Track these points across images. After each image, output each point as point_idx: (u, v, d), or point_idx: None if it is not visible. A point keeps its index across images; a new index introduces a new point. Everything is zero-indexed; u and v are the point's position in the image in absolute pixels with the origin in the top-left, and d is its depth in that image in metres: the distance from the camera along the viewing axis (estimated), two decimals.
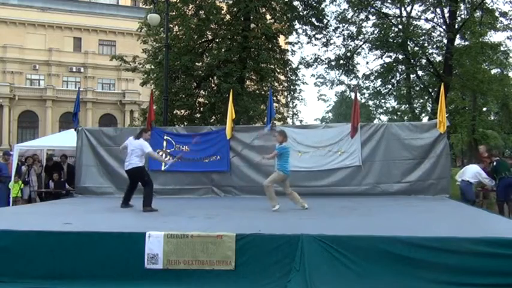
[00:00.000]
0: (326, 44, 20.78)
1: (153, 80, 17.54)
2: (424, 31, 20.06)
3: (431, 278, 4.53)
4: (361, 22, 20.48)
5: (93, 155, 11.08)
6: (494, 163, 9.92)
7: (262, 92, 18.10)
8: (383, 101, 25.02)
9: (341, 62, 21.36)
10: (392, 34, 19.56)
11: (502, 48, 19.77)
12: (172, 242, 4.81)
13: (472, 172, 9.99)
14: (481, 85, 18.99)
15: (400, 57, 20.37)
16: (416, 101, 25.50)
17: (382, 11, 20.14)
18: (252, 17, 16.87)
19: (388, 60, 20.87)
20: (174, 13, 16.03)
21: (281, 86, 19.75)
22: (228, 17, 17.19)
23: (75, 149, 11.27)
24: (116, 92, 41.03)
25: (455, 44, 18.85)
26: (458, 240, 4.61)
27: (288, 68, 19.43)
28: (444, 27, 19.21)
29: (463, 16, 18.84)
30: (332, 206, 8.19)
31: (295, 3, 18.87)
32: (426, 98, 23.82)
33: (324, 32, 20.45)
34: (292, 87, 20.44)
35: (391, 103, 26.12)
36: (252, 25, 17.21)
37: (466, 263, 4.53)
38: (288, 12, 18.10)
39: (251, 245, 4.78)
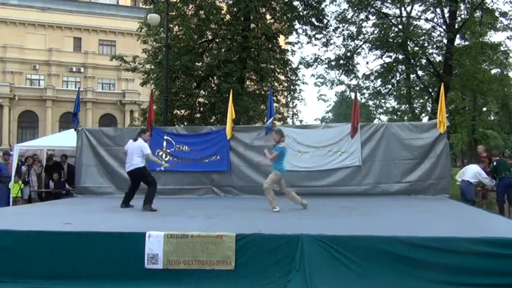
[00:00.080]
0: (326, 44, 20.79)
1: (153, 80, 17.54)
2: (424, 31, 20.06)
3: (431, 278, 4.53)
4: (361, 22, 20.49)
5: (93, 155, 11.08)
6: (495, 163, 9.91)
7: (262, 92, 18.09)
8: (383, 101, 25.02)
9: (341, 62, 21.35)
10: (392, 34, 19.55)
11: (502, 48, 19.77)
12: (172, 242, 4.81)
13: (472, 172, 9.99)
14: (481, 85, 18.98)
15: (400, 57, 20.36)
16: (416, 101, 25.49)
17: (382, 11, 20.14)
18: (252, 17, 16.87)
19: (388, 60, 20.88)
20: (174, 13, 16.03)
21: (281, 86, 19.74)
22: (228, 17, 17.19)
23: (75, 149, 11.27)
24: (116, 92, 41.03)
25: (455, 44, 18.85)
26: (458, 240, 4.61)
27: (288, 68, 19.42)
28: (444, 27, 19.21)
29: (463, 16, 18.84)
30: (332, 206, 8.19)
31: (295, 3, 18.88)
32: (426, 98, 23.81)
33: (324, 32, 20.45)
34: (292, 87, 20.43)
35: (391, 103, 26.14)
36: (252, 25, 17.21)
37: (466, 263, 4.53)
38: (288, 12, 18.10)
39: (251, 245, 4.78)
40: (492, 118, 35.10)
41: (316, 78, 23.59)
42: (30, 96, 38.01)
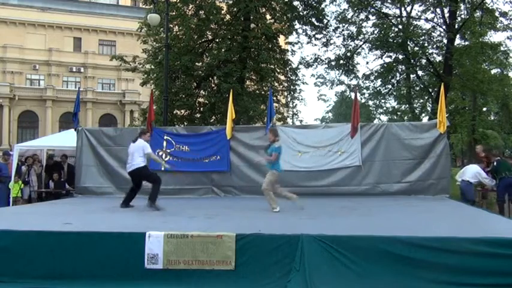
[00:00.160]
0: (326, 44, 20.79)
1: (153, 80, 17.53)
2: (424, 31, 20.05)
3: (431, 278, 4.53)
4: (361, 22, 20.49)
5: (93, 155, 11.08)
6: (495, 163, 9.90)
7: (262, 92, 18.09)
8: (383, 101, 25.02)
9: (341, 62, 21.35)
10: (392, 34, 19.55)
11: (502, 48, 19.76)
12: (172, 242, 4.81)
13: (472, 172, 9.97)
14: (481, 85, 18.98)
15: (400, 57, 20.36)
16: (416, 101, 25.49)
17: (382, 11, 20.14)
18: (252, 17, 16.86)
19: (388, 60, 20.88)
20: (174, 13, 16.02)
21: (281, 86, 19.74)
22: (228, 17, 17.18)
23: (75, 149, 11.27)
24: (116, 92, 41.02)
25: (455, 44, 18.85)
26: (458, 240, 4.61)
27: (288, 68, 19.42)
28: (444, 27, 19.21)
29: (463, 16, 18.84)
30: (332, 206, 8.19)
31: (295, 3, 18.88)
32: (426, 98, 23.81)
33: (324, 32, 20.45)
34: (292, 87, 20.42)
35: (391, 103, 26.13)
36: (252, 25, 17.21)
37: (466, 263, 4.53)
38: (288, 12, 18.09)
39: (251, 245, 4.78)
40: (492, 118, 35.09)
41: (316, 78, 23.62)
42: (30, 96, 37.99)
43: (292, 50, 20.86)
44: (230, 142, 10.67)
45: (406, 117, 24.84)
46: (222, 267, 4.74)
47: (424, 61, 20.69)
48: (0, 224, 5.50)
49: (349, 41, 20.87)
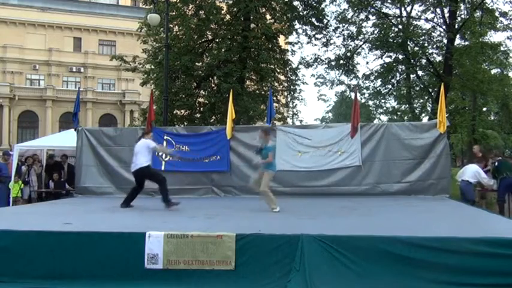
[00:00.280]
0: (326, 44, 20.79)
1: (153, 80, 17.54)
2: (424, 31, 20.06)
3: (431, 278, 4.53)
4: (361, 22, 20.49)
5: (93, 155, 11.08)
6: (496, 163, 9.90)
7: (262, 92, 18.09)
8: (383, 101, 25.03)
9: (341, 62, 21.35)
10: (392, 34, 19.56)
11: (502, 48, 19.77)
12: (172, 242, 4.81)
13: (471, 172, 9.96)
14: (481, 85, 18.99)
15: (400, 57, 20.37)
16: (416, 101, 25.51)
17: (382, 11, 20.14)
18: (252, 17, 16.87)
19: (388, 60, 20.89)
20: (174, 13, 16.03)
21: (281, 86, 19.74)
22: (228, 17, 17.19)
23: (75, 149, 11.27)
24: (116, 92, 41.02)
25: (455, 44, 18.86)
26: (458, 240, 4.61)
27: (288, 68, 19.43)
28: (444, 27, 19.21)
29: (463, 16, 18.84)
30: (332, 206, 8.19)
31: (295, 3, 18.88)
32: (426, 98, 23.82)
33: (324, 32, 20.46)
34: (292, 87, 20.43)
35: (391, 103, 26.15)
36: (252, 25, 17.21)
37: (466, 263, 4.53)
38: (288, 12, 18.10)
39: (251, 245, 4.78)
40: (492, 118, 35.10)
41: (316, 78, 23.63)
42: (30, 96, 38.00)
43: (292, 50, 20.91)
44: (230, 142, 10.67)
45: (406, 117, 24.86)
46: (222, 267, 4.74)
47: (424, 61, 20.69)
48: (0, 224, 5.50)
49: (349, 41, 20.89)
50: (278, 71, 18.69)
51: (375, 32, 20.28)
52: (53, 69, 39.87)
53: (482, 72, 19.18)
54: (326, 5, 20.20)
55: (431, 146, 10.08)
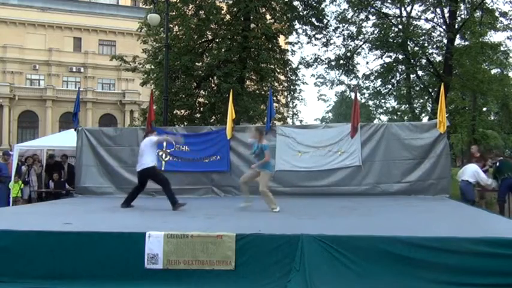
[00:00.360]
0: (326, 44, 20.80)
1: (153, 80, 17.54)
2: (424, 31, 20.07)
3: (431, 278, 4.52)
4: (361, 22, 20.51)
5: (93, 155, 11.07)
6: (497, 163, 9.89)
7: (262, 92, 18.10)
8: (383, 101, 25.05)
9: (341, 62, 21.36)
10: (392, 34, 19.57)
11: (502, 48, 19.78)
12: (172, 242, 4.81)
13: (471, 172, 9.96)
14: (481, 85, 19.00)
15: (400, 57, 20.38)
16: (416, 101, 25.53)
17: (382, 11, 20.15)
18: (252, 17, 16.87)
19: (388, 60, 20.91)
20: (174, 13, 16.03)
21: (281, 86, 19.74)
22: (228, 17, 17.19)
23: (75, 149, 11.27)
24: (116, 92, 41.03)
25: (455, 44, 18.87)
26: (458, 240, 4.60)
27: (288, 68, 19.43)
28: (444, 27, 19.22)
29: (463, 16, 18.85)
30: (332, 206, 8.19)
31: (295, 3, 18.89)
32: (426, 98, 23.83)
33: (324, 32, 20.47)
34: (292, 87, 20.43)
35: (391, 103, 26.17)
36: (252, 25, 17.21)
37: (466, 263, 4.52)
38: (288, 12, 18.10)
39: (251, 245, 4.77)
40: (492, 118, 35.13)
41: (316, 78, 23.64)
42: (30, 96, 38.00)
43: (292, 50, 20.91)
44: (230, 142, 10.67)
45: (406, 117, 24.87)
46: (222, 267, 4.74)
47: (424, 61, 20.71)
48: (0, 224, 5.50)
49: (349, 41, 20.91)
50: (278, 71, 18.69)
51: (375, 32, 20.31)
52: (53, 69, 39.88)
53: (482, 72, 19.19)
54: (326, 5, 20.24)
55: (431, 146, 10.07)
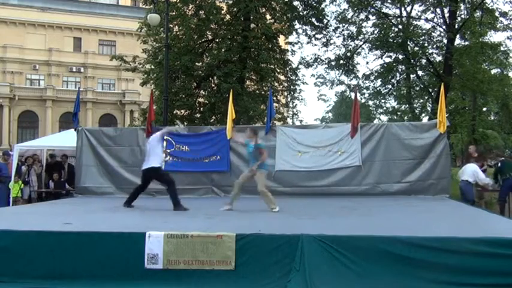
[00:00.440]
0: (326, 44, 20.79)
1: (153, 80, 17.54)
2: (424, 31, 20.07)
3: (431, 278, 4.52)
4: (361, 22, 20.50)
5: (93, 155, 11.08)
6: (499, 164, 9.90)
7: (262, 92, 18.09)
8: (383, 101, 25.05)
9: (341, 62, 21.35)
10: (392, 34, 19.57)
11: (502, 48, 19.79)
12: (172, 242, 4.81)
13: (470, 171, 9.97)
14: (481, 85, 19.00)
15: (400, 57, 20.37)
16: (416, 101, 25.52)
17: (382, 11, 20.15)
18: (252, 17, 16.87)
19: (388, 60, 20.90)
20: (174, 13, 16.03)
21: (281, 86, 19.74)
22: (228, 17, 17.19)
23: (75, 149, 11.27)
24: (116, 92, 41.02)
25: (455, 44, 18.86)
26: (458, 240, 4.60)
27: (288, 68, 19.42)
28: (444, 27, 19.22)
29: (463, 16, 18.85)
30: (332, 206, 8.19)
31: (295, 3, 18.89)
32: (426, 98, 23.83)
33: (324, 32, 20.46)
34: (292, 87, 20.43)
35: (391, 103, 26.16)
36: (252, 25, 17.21)
37: (466, 263, 4.52)
38: (288, 12, 18.10)
39: (251, 245, 4.77)
40: (492, 118, 35.15)
41: (316, 78, 23.62)
42: (30, 96, 37.99)
43: (292, 50, 20.90)
44: (230, 142, 10.66)
45: (406, 117, 24.88)
46: (222, 267, 4.74)
47: (424, 61, 20.70)
48: (0, 224, 5.50)
49: (349, 41, 20.90)
50: (278, 71, 18.69)
51: (375, 32, 20.30)
52: (53, 69, 39.87)
53: (482, 72, 19.19)
54: (326, 5, 20.23)
55: (431, 146, 10.07)
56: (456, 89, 21.71)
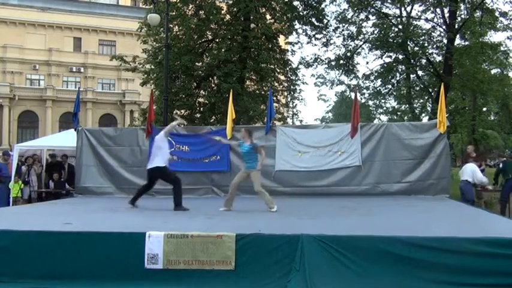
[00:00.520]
0: (326, 44, 20.79)
1: (153, 80, 17.54)
2: (424, 31, 20.07)
3: (431, 278, 4.53)
4: (361, 22, 20.50)
5: (93, 155, 11.08)
6: (501, 164, 9.92)
7: (262, 92, 18.09)
8: (383, 101, 25.04)
9: (341, 62, 21.35)
10: (392, 34, 19.56)
11: (502, 48, 19.78)
12: (172, 242, 4.81)
13: (469, 171, 9.98)
14: (481, 85, 19.00)
15: (400, 57, 20.37)
16: (416, 101, 25.52)
17: (382, 11, 20.14)
18: (252, 17, 16.86)
19: (388, 60, 20.90)
20: (174, 13, 16.02)
21: (281, 86, 19.74)
22: (228, 17, 17.18)
23: (75, 149, 11.27)
24: (116, 92, 41.02)
25: (455, 44, 18.86)
26: (458, 240, 4.60)
27: (288, 68, 19.42)
28: (444, 27, 19.22)
29: (463, 16, 18.85)
30: (332, 206, 8.19)
31: (295, 3, 18.88)
32: (426, 98, 23.83)
33: (324, 32, 20.46)
34: (292, 87, 20.43)
35: (391, 103, 26.16)
36: (252, 25, 17.21)
37: (466, 263, 4.53)
38: (288, 12, 18.10)
39: (251, 245, 4.77)
40: (492, 118, 35.15)
41: (316, 78, 23.62)
42: (30, 96, 37.99)
43: (292, 50, 20.90)
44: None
45: (406, 117, 24.87)
46: (222, 267, 4.74)
47: (424, 61, 20.70)
48: (0, 224, 5.50)
49: (349, 41, 20.90)
50: (278, 71, 18.69)
51: (375, 32, 20.30)
52: (53, 69, 39.87)
53: (482, 72, 19.19)
54: (326, 5, 20.23)
55: (431, 146, 10.08)
56: (456, 89, 21.71)
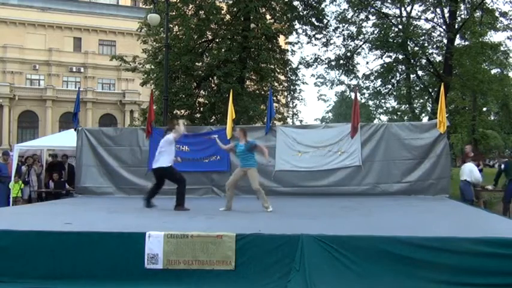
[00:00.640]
0: (326, 44, 20.77)
1: (153, 80, 17.53)
2: (424, 31, 20.05)
3: (431, 278, 4.53)
4: (361, 22, 20.48)
5: (93, 155, 11.08)
6: (503, 165, 9.94)
7: (262, 92, 18.09)
8: (383, 101, 24.98)
9: (341, 62, 21.34)
10: (392, 34, 19.55)
11: (502, 48, 19.79)
12: (172, 242, 4.81)
13: (467, 170, 9.99)
14: (481, 85, 18.99)
15: (400, 57, 20.35)
16: (416, 101, 25.49)
17: (382, 11, 20.13)
18: (252, 17, 16.86)
19: (388, 60, 20.87)
20: (174, 13, 16.02)
21: (281, 86, 19.74)
22: (228, 17, 17.18)
23: (75, 149, 11.28)
24: (116, 92, 41.03)
25: (455, 44, 18.85)
26: (458, 240, 4.61)
27: (288, 68, 19.43)
28: (444, 27, 19.21)
29: (463, 16, 18.84)
30: (332, 206, 8.20)
31: (295, 3, 18.87)
32: (426, 98, 23.82)
33: (324, 32, 20.44)
34: (292, 87, 20.43)
35: (391, 103, 26.09)
36: (252, 25, 17.20)
37: (466, 263, 4.53)
38: (288, 12, 18.09)
39: (251, 245, 4.78)
40: (492, 118, 35.14)
41: (316, 78, 23.59)
42: (30, 96, 38.00)
43: (292, 50, 20.89)
44: (230, 142, 10.65)
45: (406, 117, 24.82)
46: (222, 267, 4.74)
47: (424, 61, 20.68)
48: (0, 224, 5.50)
49: (349, 41, 20.87)
50: (278, 71, 18.69)
51: (375, 32, 20.28)
52: (53, 69, 39.87)
53: (482, 72, 19.17)
54: (326, 5, 20.21)
55: (431, 146, 10.08)
56: (456, 89, 21.69)
